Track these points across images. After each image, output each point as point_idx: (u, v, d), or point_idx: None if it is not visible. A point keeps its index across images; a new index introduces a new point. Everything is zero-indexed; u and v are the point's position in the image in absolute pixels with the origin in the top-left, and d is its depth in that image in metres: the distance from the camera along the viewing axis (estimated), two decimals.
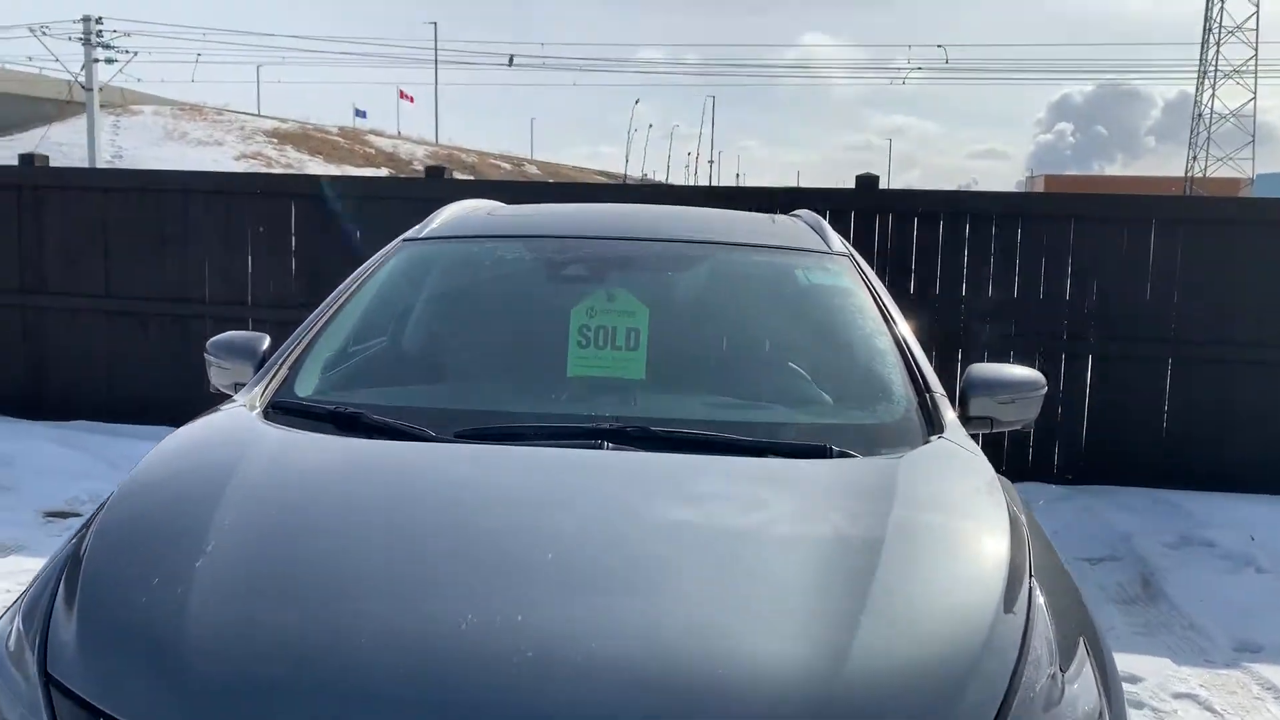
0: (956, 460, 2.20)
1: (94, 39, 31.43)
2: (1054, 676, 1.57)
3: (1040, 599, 1.73)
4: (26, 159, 7.26)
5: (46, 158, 7.46)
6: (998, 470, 2.18)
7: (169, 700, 1.40)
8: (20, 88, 42.49)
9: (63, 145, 34.66)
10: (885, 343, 2.63)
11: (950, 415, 2.39)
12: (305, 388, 2.46)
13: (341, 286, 2.88)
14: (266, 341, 2.75)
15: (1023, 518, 2.02)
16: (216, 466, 1.99)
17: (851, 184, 6.63)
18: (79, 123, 33.75)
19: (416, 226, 3.12)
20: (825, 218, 6.44)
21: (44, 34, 30.48)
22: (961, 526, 1.92)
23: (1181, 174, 53.68)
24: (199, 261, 7.01)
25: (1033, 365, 6.57)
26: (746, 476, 2.04)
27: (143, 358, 7.00)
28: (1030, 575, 1.77)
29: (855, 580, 1.64)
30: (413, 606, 1.53)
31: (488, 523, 1.80)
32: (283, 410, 2.32)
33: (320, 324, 2.70)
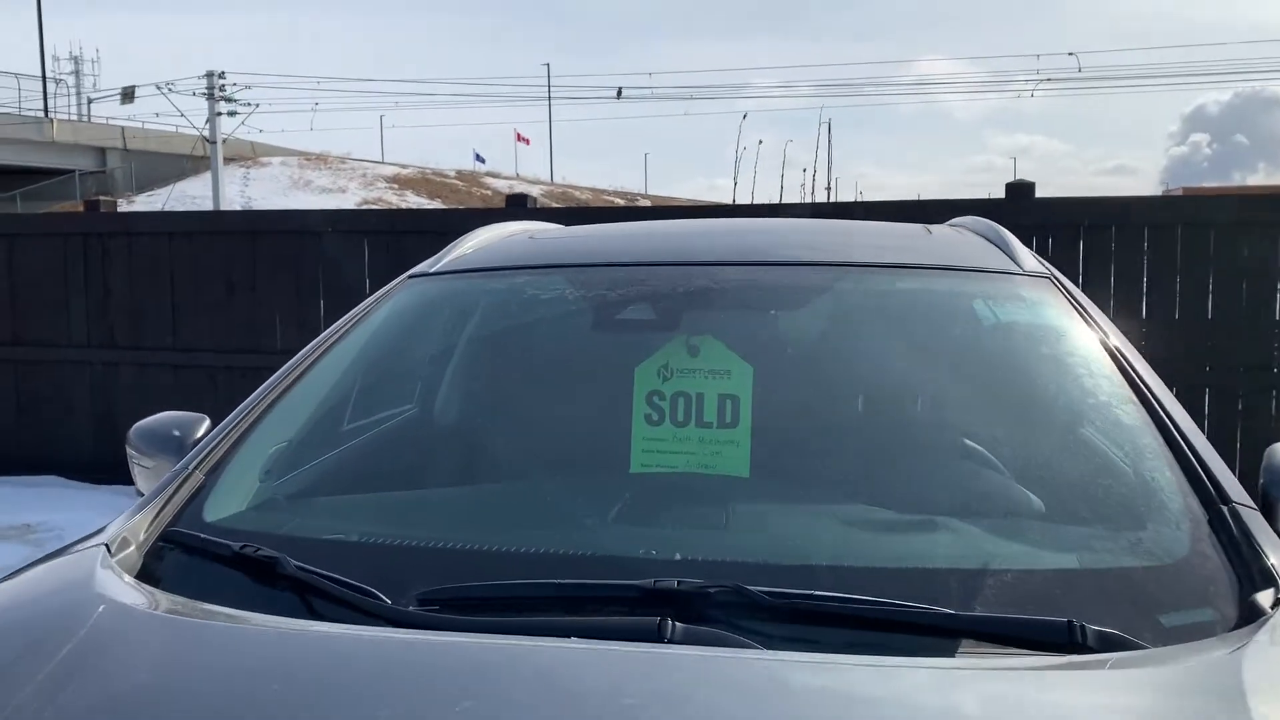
0: None
1: (216, 93, 32.27)
2: None
3: None
4: (93, 204, 6.82)
5: (114, 203, 7.01)
6: None
7: None
8: (158, 145, 44.26)
9: (196, 198, 35.75)
10: (1134, 415, 1.62)
11: (1279, 551, 1.35)
12: (223, 505, 1.60)
13: (314, 343, 2.04)
14: (204, 425, 1.92)
15: None
16: None
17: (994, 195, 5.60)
18: (210, 176, 34.70)
19: (433, 257, 2.28)
20: None
21: (170, 90, 31.45)
22: None
23: None
24: (269, 307, 6.41)
25: (1236, 408, 5.43)
26: (943, 714, 1.07)
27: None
28: None
29: None
30: None
31: None
32: (178, 548, 1.49)
33: (271, 398, 1.85)
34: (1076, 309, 1.89)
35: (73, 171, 41.51)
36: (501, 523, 1.59)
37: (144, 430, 1.92)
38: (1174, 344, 5.27)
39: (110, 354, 6.63)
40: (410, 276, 2.19)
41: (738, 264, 2.03)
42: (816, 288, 2.01)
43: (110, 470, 6.55)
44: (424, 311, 2.16)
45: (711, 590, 1.24)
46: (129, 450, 1.93)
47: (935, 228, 2.48)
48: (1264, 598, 1.25)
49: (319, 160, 48.08)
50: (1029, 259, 2.09)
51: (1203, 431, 1.61)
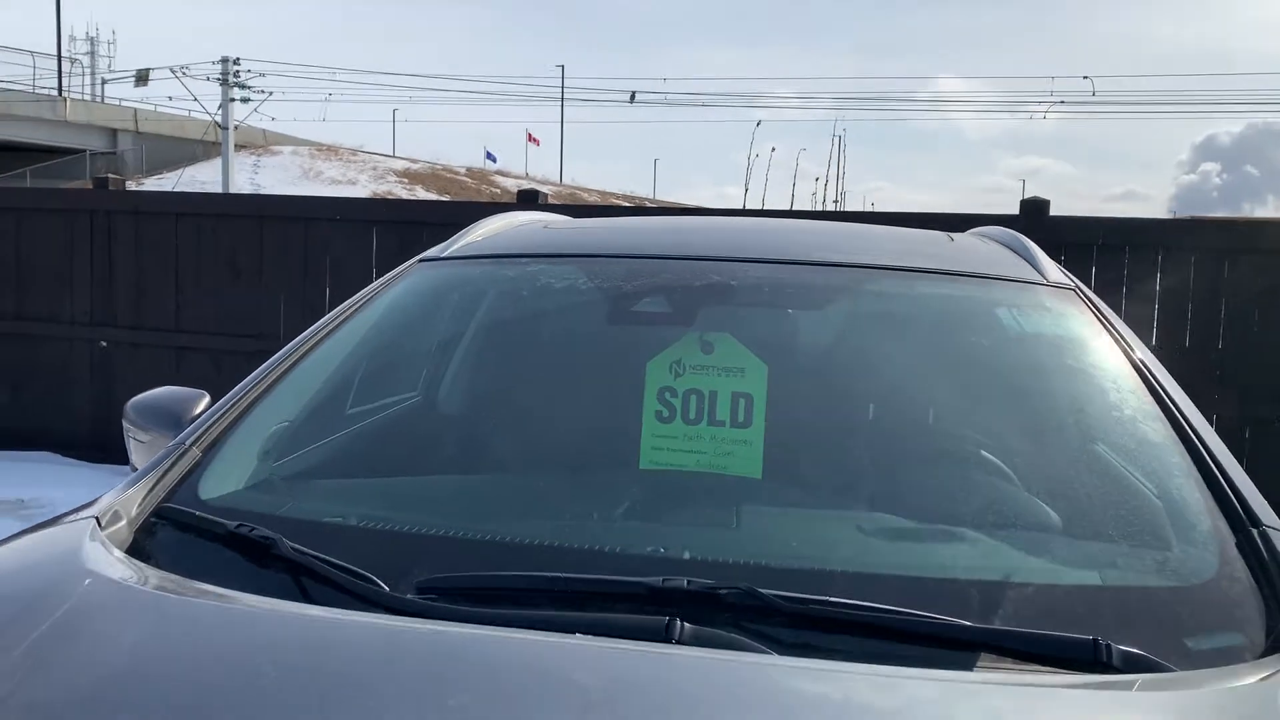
0: None
1: (230, 79, 32.24)
2: None
3: None
4: (100, 182, 6.78)
5: (122, 180, 6.97)
6: None
7: None
8: (170, 129, 44.29)
9: (205, 183, 35.75)
10: (1160, 433, 1.57)
11: None
12: (219, 483, 1.55)
13: (320, 322, 2.00)
14: (203, 402, 1.87)
15: None
16: None
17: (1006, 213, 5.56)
18: (220, 162, 34.70)
19: (444, 243, 2.23)
20: None
21: (185, 75, 31.42)
22: None
23: None
24: (274, 293, 6.37)
25: (1244, 436, 5.37)
26: None
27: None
28: None
29: None
30: None
31: None
32: (171, 524, 1.44)
33: (274, 377, 1.80)
34: (1102, 322, 1.84)
35: (84, 151, 41.53)
36: (505, 513, 1.55)
37: (142, 404, 1.88)
38: (1184, 369, 5.22)
39: (112, 333, 6.59)
40: (421, 260, 2.15)
41: (755, 261, 1.98)
42: (836, 288, 1.96)
43: (106, 449, 6.50)
44: (434, 295, 2.11)
45: (723, 591, 1.19)
46: (125, 424, 1.89)
47: (958, 235, 2.43)
48: None
49: (330, 151, 48.08)
50: (1053, 270, 2.04)
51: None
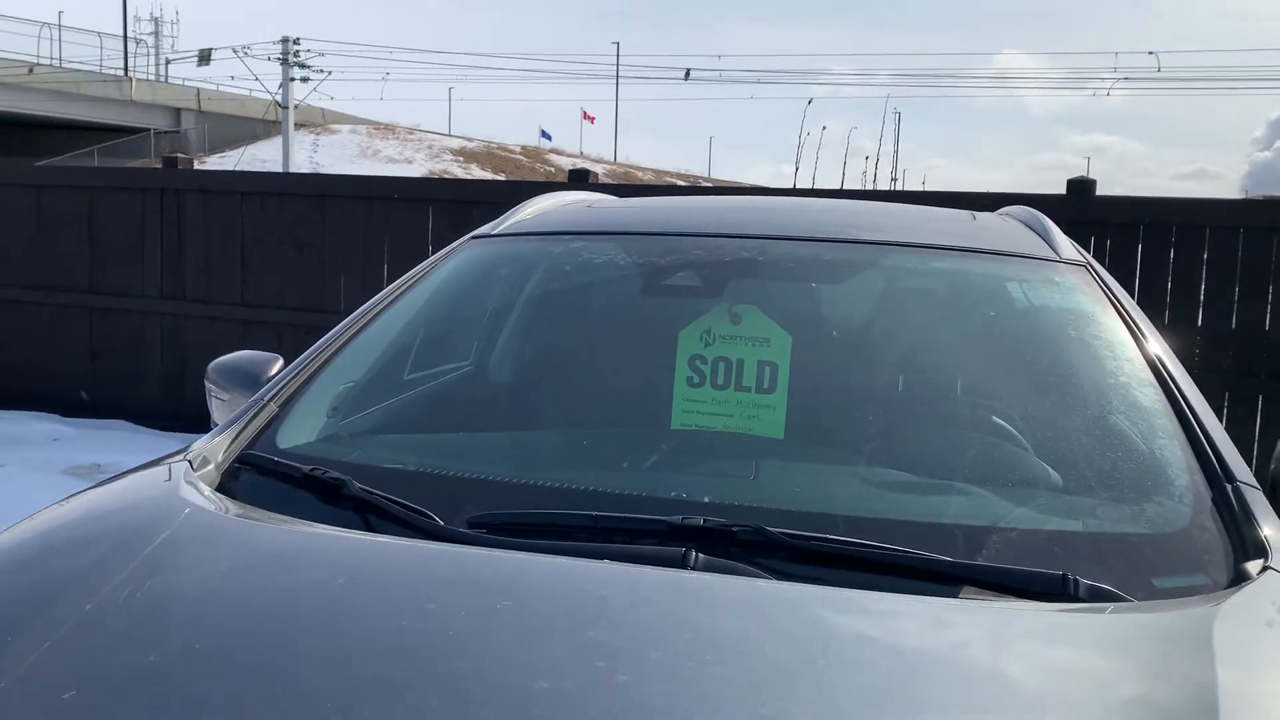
0: None
1: (291, 59, 32.79)
2: None
3: None
4: (170, 161, 7.06)
5: (190, 160, 7.25)
6: None
7: None
8: (231, 108, 45.16)
9: (265, 161, 36.45)
10: (1151, 397, 1.70)
11: (1273, 528, 1.43)
12: (294, 435, 1.75)
13: (381, 294, 2.18)
14: (278, 364, 2.08)
15: None
16: (60, 573, 1.30)
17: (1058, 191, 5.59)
18: (280, 141, 35.36)
19: (494, 221, 2.40)
20: None
21: (246, 55, 32.04)
22: None
23: None
24: (334, 269, 6.61)
25: None
26: (928, 640, 1.18)
27: None
28: None
29: None
30: None
31: None
32: (252, 468, 1.63)
33: (340, 343, 1.99)
34: (1109, 296, 1.95)
35: (148, 130, 42.51)
36: (548, 463, 1.72)
37: (222, 366, 2.08)
38: (1232, 348, 5.24)
39: (181, 306, 6.88)
40: (473, 237, 2.32)
41: (781, 238, 2.12)
42: (856, 263, 2.10)
43: (176, 418, 6.81)
44: (484, 269, 2.28)
45: (734, 529, 1.35)
46: (207, 383, 2.09)
47: (981, 215, 2.54)
48: (1252, 566, 1.33)
49: (387, 130, 48.66)
50: (1067, 247, 2.15)
51: (1254, 438, 1.69)
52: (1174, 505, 1.49)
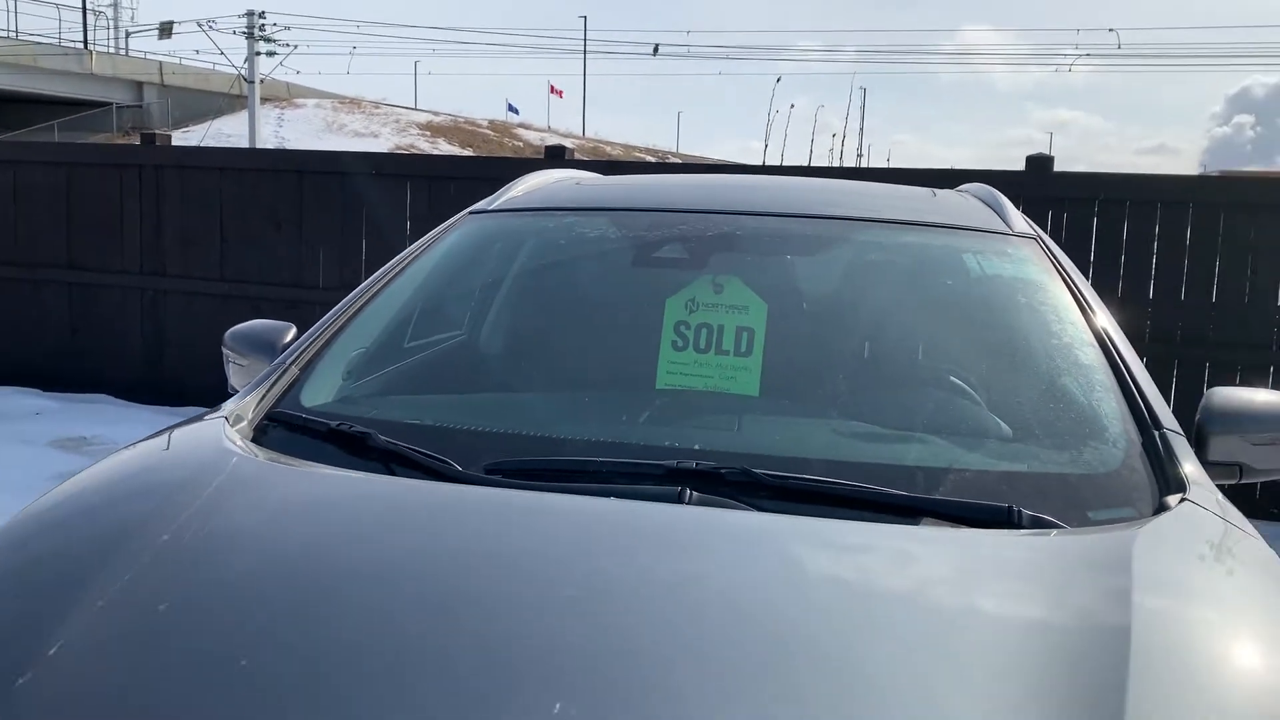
0: (1214, 537, 1.48)
1: (256, 33, 32.47)
2: None
3: None
4: (148, 137, 7.12)
5: (169, 136, 7.31)
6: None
7: None
8: (194, 82, 44.56)
9: (231, 136, 36.08)
10: (1091, 356, 1.90)
11: (1193, 465, 1.66)
12: (315, 395, 1.92)
13: (387, 266, 2.35)
14: (291, 332, 2.24)
15: None
16: (129, 514, 1.47)
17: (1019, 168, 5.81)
18: (245, 115, 35.04)
19: (489, 197, 2.57)
20: None
21: (210, 28, 31.68)
22: (1245, 648, 1.24)
23: None
24: (313, 244, 6.72)
25: (1234, 383, 5.64)
26: (891, 559, 1.37)
27: None
28: None
29: None
30: None
31: (460, 635, 1.18)
32: (281, 425, 1.80)
33: (352, 311, 2.16)
34: (1056, 266, 2.16)
35: (110, 104, 41.89)
36: (550, 418, 1.89)
37: (238, 334, 2.25)
38: (1182, 318, 5.49)
39: (161, 281, 6.96)
40: (471, 213, 2.49)
41: (760, 214, 2.31)
42: (827, 238, 2.29)
43: (158, 391, 6.92)
44: (483, 243, 2.46)
45: (723, 470, 1.54)
46: (225, 350, 2.25)
47: (941, 191, 2.74)
48: (1172, 499, 1.55)
49: (353, 104, 48.23)
50: (1019, 221, 2.35)
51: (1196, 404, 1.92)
52: (1108, 449, 1.70)
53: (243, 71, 32.19)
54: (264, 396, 1.89)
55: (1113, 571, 1.33)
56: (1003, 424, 1.80)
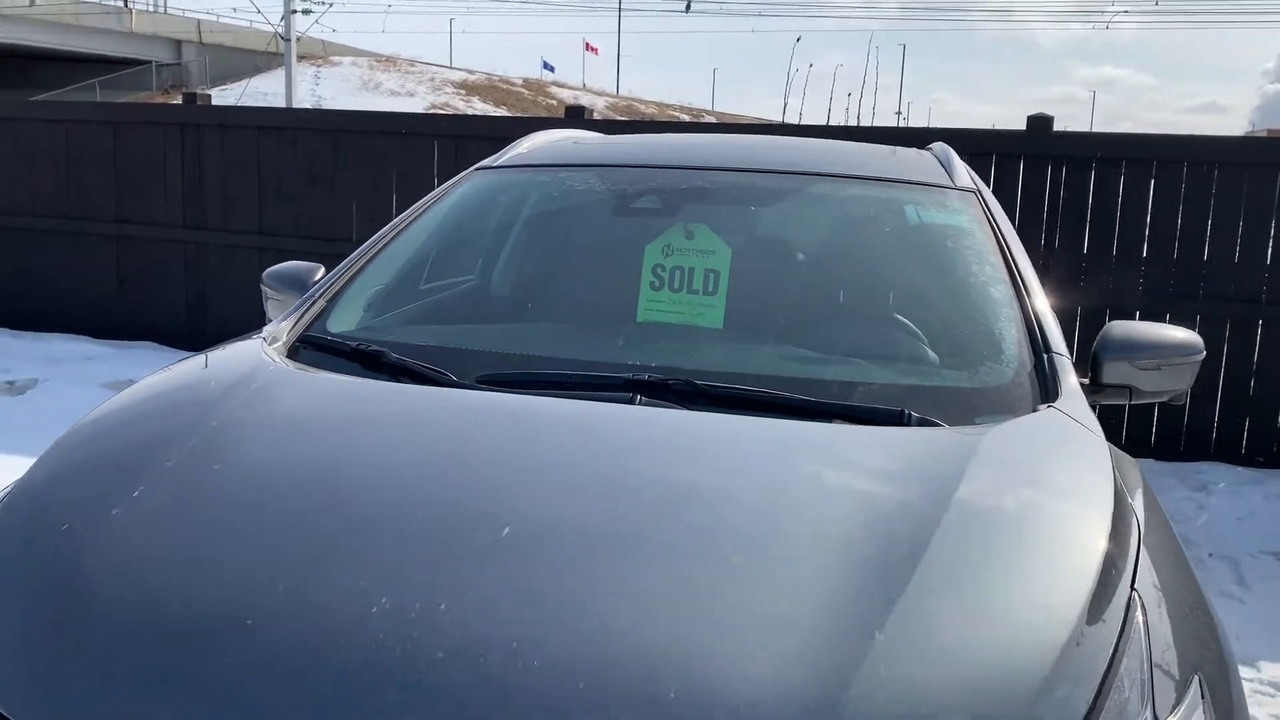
0: (1060, 433, 1.78)
1: None
2: None
3: (1141, 616, 1.35)
4: (190, 97, 7.48)
5: (209, 96, 7.66)
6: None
7: (49, 676, 1.24)
8: (232, 40, 45.11)
9: (268, 94, 36.56)
10: (1002, 292, 2.21)
11: (1070, 381, 1.97)
12: (340, 323, 2.28)
13: (403, 215, 2.68)
14: (320, 272, 2.59)
15: (1139, 511, 1.62)
16: (189, 403, 1.83)
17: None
18: (282, 73, 35.48)
19: (495, 155, 2.89)
20: (991, 164, 5.98)
21: None
22: (1042, 515, 1.53)
23: None
24: (346, 200, 7.07)
25: (1223, 336, 5.87)
26: (792, 445, 1.70)
27: None
28: (1133, 584, 1.39)
29: (884, 582, 1.31)
30: (315, 584, 1.32)
31: (445, 486, 1.55)
32: (311, 346, 2.15)
33: (371, 254, 2.51)
34: (987, 215, 2.46)
35: (149, 63, 42.52)
36: (538, 344, 2.23)
37: (275, 272, 2.60)
38: (1172, 274, 5.71)
39: (202, 235, 7.35)
40: (478, 169, 2.82)
41: (729, 170, 2.63)
42: (786, 190, 2.60)
43: (199, 339, 7.33)
44: (488, 195, 2.79)
45: (670, 381, 1.87)
46: (264, 287, 2.60)
47: (901, 149, 3.02)
48: (1042, 407, 1.86)
49: (389, 62, 48.54)
50: (964, 176, 2.64)
51: None
52: (1002, 369, 2.02)
53: (279, 29, 32.55)
54: (296, 323, 2.26)
55: (960, 452, 1.64)
56: (921, 346, 2.12)
